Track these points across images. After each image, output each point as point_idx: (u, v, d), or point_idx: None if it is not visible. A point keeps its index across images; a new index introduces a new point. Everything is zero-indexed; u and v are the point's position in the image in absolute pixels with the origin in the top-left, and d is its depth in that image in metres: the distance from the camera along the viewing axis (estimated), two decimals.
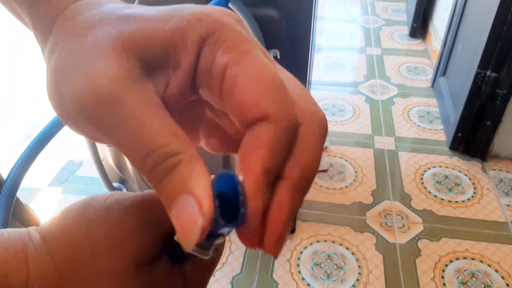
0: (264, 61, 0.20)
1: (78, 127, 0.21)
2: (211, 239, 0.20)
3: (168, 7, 0.21)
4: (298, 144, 0.20)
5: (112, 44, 0.20)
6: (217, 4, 0.90)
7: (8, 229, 0.22)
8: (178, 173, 0.19)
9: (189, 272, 0.25)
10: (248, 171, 0.19)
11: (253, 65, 0.19)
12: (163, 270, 0.24)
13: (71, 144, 2.11)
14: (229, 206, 0.19)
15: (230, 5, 0.99)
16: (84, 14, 0.22)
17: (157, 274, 0.23)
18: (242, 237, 0.20)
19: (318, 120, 0.21)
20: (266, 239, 0.20)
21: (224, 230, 0.20)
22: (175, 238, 0.19)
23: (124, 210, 0.23)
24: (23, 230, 0.23)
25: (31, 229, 0.23)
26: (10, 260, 0.21)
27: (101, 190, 1.50)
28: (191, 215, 0.18)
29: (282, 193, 0.20)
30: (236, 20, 0.21)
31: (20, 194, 0.55)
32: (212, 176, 0.20)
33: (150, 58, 0.20)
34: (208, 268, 0.26)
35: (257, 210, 0.19)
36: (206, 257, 0.21)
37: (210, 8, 0.21)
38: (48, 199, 1.81)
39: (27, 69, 2.81)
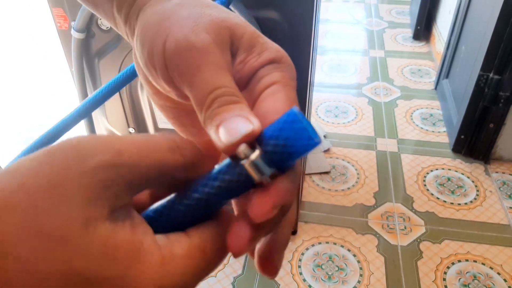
0: (296, 98, 0.25)
1: (156, 70, 0.26)
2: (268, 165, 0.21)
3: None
4: None
5: (222, 22, 0.26)
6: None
7: None
8: (238, 106, 0.23)
9: (176, 248, 0.20)
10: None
11: (292, 94, 0.25)
12: (126, 232, 0.19)
13: None
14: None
15: (231, 6, 1.00)
16: None
17: (117, 235, 0.18)
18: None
19: None
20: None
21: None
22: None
23: (70, 149, 0.19)
24: None
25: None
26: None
27: None
28: (243, 123, 0.21)
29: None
30: (294, 69, 0.27)
31: None
32: None
33: (238, 47, 0.26)
34: (202, 254, 0.21)
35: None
36: (256, 175, 0.21)
37: (285, 52, 0.27)
38: None
39: (31, 73, 2.83)
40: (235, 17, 0.27)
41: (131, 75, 0.63)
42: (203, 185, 0.22)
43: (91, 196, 0.18)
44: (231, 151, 0.21)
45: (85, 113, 0.60)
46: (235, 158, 0.21)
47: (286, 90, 0.25)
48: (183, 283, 0.20)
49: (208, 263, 0.21)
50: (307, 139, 0.20)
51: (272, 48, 0.26)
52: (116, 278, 0.18)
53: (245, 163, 0.21)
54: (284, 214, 0.23)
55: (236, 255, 0.21)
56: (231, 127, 0.21)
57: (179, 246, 0.21)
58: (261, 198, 0.21)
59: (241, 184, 0.21)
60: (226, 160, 0.22)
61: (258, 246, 0.25)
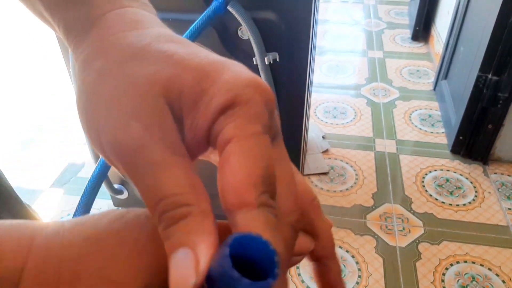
0: (263, 149, 0.20)
1: (108, 160, 0.22)
2: None
3: (210, 57, 0.22)
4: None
5: (151, 84, 0.21)
6: (216, 7, 0.90)
7: (21, 221, 0.21)
8: (184, 225, 0.19)
9: None
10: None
11: (251, 150, 0.20)
12: None
13: (73, 146, 2.11)
14: (250, 268, 0.18)
15: (229, 7, 1.00)
16: (125, 33, 0.23)
17: None
18: None
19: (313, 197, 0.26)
20: None
21: None
22: None
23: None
24: (36, 222, 0.22)
25: (47, 222, 0.22)
26: (7, 246, 0.20)
27: (102, 191, 1.50)
28: (186, 270, 0.18)
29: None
30: (265, 100, 0.21)
31: (21, 196, 0.56)
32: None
33: (180, 107, 0.21)
34: None
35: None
36: None
37: (247, 79, 0.21)
38: (50, 201, 1.81)
39: (31, 73, 2.82)
40: (169, 62, 0.21)
41: None
42: None
43: (159, 270, 0.20)
44: None
45: None
46: None
47: (242, 147, 0.20)
48: None
49: None
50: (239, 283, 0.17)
51: (222, 89, 0.21)
52: None
53: None
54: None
55: None
56: (177, 275, 0.18)
57: None
58: None
59: None
60: None
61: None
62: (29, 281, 0.19)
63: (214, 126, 0.21)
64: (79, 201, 0.56)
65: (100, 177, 0.59)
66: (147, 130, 0.20)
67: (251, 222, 0.19)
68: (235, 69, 0.22)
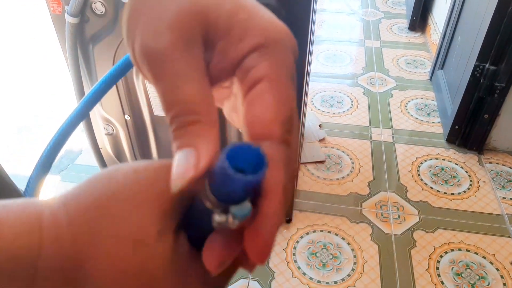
0: (290, 92, 0.23)
1: (135, 63, 0.24)
2: (228, 203, 0.21)
3: (246, 0, 0.24)
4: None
5: (191, 5, 0.22)
6: None
7: (26, 199, 0.22)
8: (193, 129, 0.21)
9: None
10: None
11: (281, 90, 0.23)
12: (184, 245, 0.23)
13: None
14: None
15: None
16: None
17: (179, 246, 0.22)
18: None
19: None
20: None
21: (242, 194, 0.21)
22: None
23: (153, 171, 0.23)
24: (40, 199, 0.23)
25: (53, 197, 0.23)
26: (19, 226, 0.21)
27: None
28: (187, 165, 0.20)
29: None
30: (291, 46, 0.24)
31: (17, 183, 0.55)
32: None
33: (215, 31, 0.23)
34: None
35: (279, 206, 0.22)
36: (223, 221, 0.21)
37: (278, 24, 0.24)
38: (47, 187, 1.81)
39: (25, 61, 2.80)
40: (219, 4, 0.23)
41: (127, 66, 0.62)
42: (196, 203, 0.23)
43: (166, 210, 0.22)
44: (176, 191, 0.21)
45: (86, 111, 0.60)
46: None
47: (273, 88, 0.22)
48: None
49: None
50: (236, 183, 0.19)
51: (255, 29, 0.23)
52: (177, 284, 0.22)
53: (232, 227, 0.21)
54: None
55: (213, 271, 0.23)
56: (179, 169, 0.21)
57: None
58: (252, 245, 0.22)
59: None
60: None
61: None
62: (48, 255, 0.21)
63: (246, 59, 0.23)
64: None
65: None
66: (177, 41, 0.22)
67: (272, 153, 0.21)
68: (268, 13, 0.24)
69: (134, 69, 1.27)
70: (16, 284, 0.21)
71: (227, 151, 0.20)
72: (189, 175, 0.20)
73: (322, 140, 1.97)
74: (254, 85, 0.23)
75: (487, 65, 1.70)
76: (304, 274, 1.43)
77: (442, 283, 1.40)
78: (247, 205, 0.21)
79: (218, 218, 0.21)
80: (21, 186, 0.53)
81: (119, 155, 1.46)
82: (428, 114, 2.14)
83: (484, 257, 1.47)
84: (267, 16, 0.24)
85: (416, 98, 2.25)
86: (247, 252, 0.22)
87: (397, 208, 1.65)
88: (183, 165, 0.21)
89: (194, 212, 0.23)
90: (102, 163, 1.40)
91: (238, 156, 0.20)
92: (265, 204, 0.21)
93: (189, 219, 0.24)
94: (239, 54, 0.23)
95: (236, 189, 0.20)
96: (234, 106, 0.28)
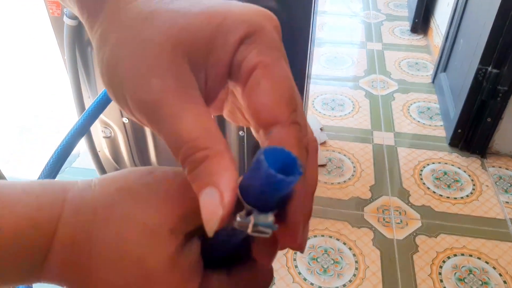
0: (287, 72, 0.23)
1: (134, 117, 0.24)
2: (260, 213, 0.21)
3: (215, 3, 0.23)
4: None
5: (165, 41, 0.22)
6: None
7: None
8: (205, 167, 0.21)
9: (215, 284, 0.25)
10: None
11: (276, 72, 0.23)
12: (194, 253, 0.23)
13: None
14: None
15: None
16: (133, 4, 0.23)
17: (187, 251, 0.23)
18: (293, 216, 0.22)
19: (314, 140, 0.25)
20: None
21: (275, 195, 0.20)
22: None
23: (181, 178, 0.24)
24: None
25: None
26: (45, 196, 0.23)
27: None
28: (213, 206, 0.20)
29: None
30: (274, 27, 0.24)
31: None
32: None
33: (195, 54, 0.22)
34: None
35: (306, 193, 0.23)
36: (248, 230, 0.21)
37: (254, 10, 0.23)
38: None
39: (26, 62, 2.79)
40: (179, 15, 0.23)
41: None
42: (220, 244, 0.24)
43: (183, 213, 0.23)
44: (216, 230, 0.21)
45: (89, 123, 0.59)
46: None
47: (269, 72, 0.22)
48: None
49: None
50: (279, 183, 0.19)
51: (235, 22, 0.22)
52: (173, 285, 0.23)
53: (248, 231, 0.21)
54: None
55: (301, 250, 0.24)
56: (207, 212, 0.20)
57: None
58: (286, 241, 0.23)
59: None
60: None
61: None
62: (66, 227, 0.22)
63: (236, 56, 0.23)
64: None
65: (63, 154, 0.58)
66: (164, 84, 0.21)
67: (285, 137, 0.22)
68: (239, 4, 0.23)
69: None
70: (27, 262, 0.22)
71: (262, 153, 0.20)
72: (218, 215, 0.20)
73: (323, 144, 1.95)
74: (249, 75, 0.22)
75: (489, 68, 1.68)
76: (305, 279, 1.41)
77: None
78: (271, 218, 0.21)
79: (239, 220, 0.21)
80: None
81: (117, 158, 1.45)
82: (431, 118, 2.12)
83: (487, 262, 1.46)
84: (240, 6, 0.23)
85: (419, 101, 2.24)
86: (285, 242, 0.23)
87: (399, 212, 1.63)
88: (209, 208, 0.20)
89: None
90: (100, 166, 1.39)
91: (270, 158, 0.20)
92: (299, 189, 0.21)
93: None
94: (229, 54, 0.23)
95: (272, 190, 0.20)
96: (232, 108, 0.28)
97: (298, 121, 0.22)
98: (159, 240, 0.22)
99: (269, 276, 0.26)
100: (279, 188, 0.20)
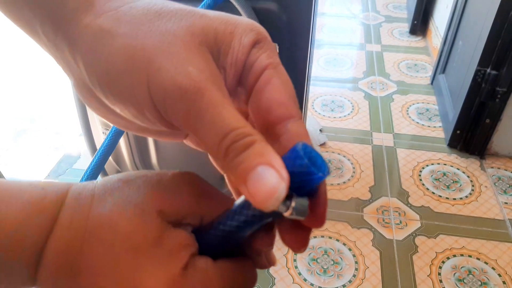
0: (287, 74, 0.25)
1: (161, 108, 0.23)
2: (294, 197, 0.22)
3: (221, 13, 0.25)
4: None
5: (191, 37, 0.23)
6: None
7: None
8: (255, 149, 0.21)
9: (225, 272, 0.26)
10: None
11: (283, 73, 0.25)
12: (185, 237, 0.25)
13: (69, 137, 2.10)
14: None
15: None
16: (131, 4, 0.23)
17: (179, 233, 0.25)
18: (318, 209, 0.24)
19: None
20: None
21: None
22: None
23: (180, 175, 0.27)
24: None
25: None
26: (50, 188, 0.25)
27: None
28: (272, 181, 0.20)
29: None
30: (269, 36, 0.26)
31: None
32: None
33: (218, 50, 0.24)
34: (243, 273, 0.27)
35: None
36: (286, 213, 0.22)
37: (255, 22, 0.26)
38: None
39: (24, 62, 2.79)
40: (195, 17, 0.24)
41: None
42: (231, 219, 0.25)
43: (177, 208, 0.25)
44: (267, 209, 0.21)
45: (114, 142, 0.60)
46: None
47: (278, 73, 0.25)
48: None
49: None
50: (314, 175, 0.21)
51: (246, 30, 0.25)
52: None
53: (286, 214, 0.22)
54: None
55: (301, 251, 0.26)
56: (263, 189, 0.20)
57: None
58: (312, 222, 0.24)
59: (269, 216, 0.24)
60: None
61: None
62: (66, 211, 0.24)
63: (248, 57, 0.25)
64: None
65: (98, 168, 0.58)
66: (202, 73, 0.22)
67: (300, 130, 0.24)
68: (241, 17, 0.25)
69: None
70: (19, 266, 0.23)
71: (299, 148, 0.21)
72: (282, 187, 0.20)
73: (323, 145, 1.96)
74: (259, 75, 0.24)
75: (488, 70, 1.69)
76: (305, 280, 1.42)
77: None
78: (307, 203, 0.22)
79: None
80: None
81: (118, 161, 1.45)
82: (430, 119, 2.13)
83: (486, 263, 1.46)
84: (242, 18, 0.25)
85: (418, 103, 2.24)
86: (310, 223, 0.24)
87: (399, 213, 1.64)
88: (268, 184, 0.20)
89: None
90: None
91: (305, 154, 0.21)
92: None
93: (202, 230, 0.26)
94: (245, 55, 0.24)
95: (309, 185, 0.21)
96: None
97: (301, 116, 0.25)
98: (147, 219, 0.24)
99: (254, 274, 0.28)
100: (313, 182, 0.21)
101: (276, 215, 0.23)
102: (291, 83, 0.25)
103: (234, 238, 0.25)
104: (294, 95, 0.25)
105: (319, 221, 0.24)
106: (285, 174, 0.20)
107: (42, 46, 0.26)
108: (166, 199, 0.25)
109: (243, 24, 0.25)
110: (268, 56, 0.25)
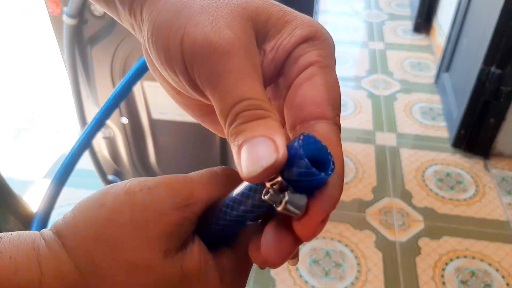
0: (338, 81, 0.24)
1: (177, 74, 0.23)
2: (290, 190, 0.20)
3: (285, 6, 0.25)
4: None
5: (242, 9, 0.23)
6: None
7: (18, 232, 0.22)
8: (265, 122, 0.20)
9: (225, 263, 0.24)
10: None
11: (331, 76, 0.23)
12: (195, 257, 0.22)
13: (66, 136, 2.08)
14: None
15: None
16: None
17: (188, 261, 0.22)
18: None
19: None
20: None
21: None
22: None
23: (148, 192, 0.22)
24: (34, 231, 0.22)
25: (44, 229, 0.22)
26: (19, 257, 0.20)
27: (96, 182, 1.48)
28: (264, 150, 0.19)
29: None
30: (334, 44, 0.25)
31: (13, 187, 0.53)
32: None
33: (265, 32, 0.24)
34: (246, 261, 0.24)
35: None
36: (279, 207, 0.20)
37: (321, 25, 0.25)
38: (42, 192, 1.78)
39: (25, 62, 2.78)
40: (266, 7, 0.24)
41: (140, 73, 0.59)
42: (231, 208, 0.23)
43: (169, 232, 0.21)
44: (253, 182, 0.20)
45: (100, 123, 0.59)
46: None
47: (324, 73, 0.23)
48: None
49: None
50: (315, 176, 0.19)
51: (304, 24, 0.24)
52: None
53: (278, 208, 0.20)
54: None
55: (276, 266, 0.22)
56: (253, 154, 0.19)
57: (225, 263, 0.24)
58: (308, 221, 0.21)
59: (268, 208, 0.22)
60: (247, 188, 0.22)
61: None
62: None
63: (296, 49, 0.24)
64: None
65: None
66: (237, 39, 0.22)
67: (328, 132, 0.22)
68: (304, 14, 0.25)
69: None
70: None
71: (301, 138, 0.20)
72: (272, 158, 0.19)
73: None
74: (303, 69, 0.23)
75: (493, 69, 1.67)
76: (306, 282, 1.40)
77: None
78: (305, 201, 0.20)
79: (272, 193, 0.20)
80: (18, 189, 0.51)
81: (116, 159, 1.44)
82: (433, 118, 2.10)
83: (489, 265, 1.44)
84: (305, 15, 0.25)
85: (421, 102, 2.22)
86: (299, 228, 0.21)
87: (402, 214, 1.62)
88: (260, 151, 0.19)
89: (212, 215, 0.24)
90: (99, 167, 1.38)
91: (307, 146, 0.20)
92: (332, 182, 0.20)
93: (206, 224, 0.24)
94: (290, 46, 0.23)
95: (310, 184, 0.20)
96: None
97: (339, 124, 0.23)
98: (159, 270, 0.22)
99: (249, 264, 0.25)
100: (314, 183, 0.20)
101: (268, 208, 0.21)
102: (339, 89, 0.23)
103: (228, 233, 0.24)
104: (337, 100, 0.23)
105: (308, 229, 0.20)
106: (283, 150, 0.19)
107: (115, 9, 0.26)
108: (168, 235, 0.22)
109: (303, 18, 0.24)
110: (318, 54, 0.23)
